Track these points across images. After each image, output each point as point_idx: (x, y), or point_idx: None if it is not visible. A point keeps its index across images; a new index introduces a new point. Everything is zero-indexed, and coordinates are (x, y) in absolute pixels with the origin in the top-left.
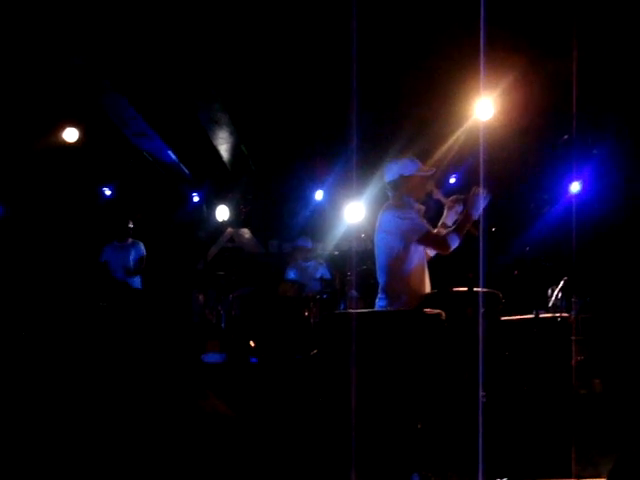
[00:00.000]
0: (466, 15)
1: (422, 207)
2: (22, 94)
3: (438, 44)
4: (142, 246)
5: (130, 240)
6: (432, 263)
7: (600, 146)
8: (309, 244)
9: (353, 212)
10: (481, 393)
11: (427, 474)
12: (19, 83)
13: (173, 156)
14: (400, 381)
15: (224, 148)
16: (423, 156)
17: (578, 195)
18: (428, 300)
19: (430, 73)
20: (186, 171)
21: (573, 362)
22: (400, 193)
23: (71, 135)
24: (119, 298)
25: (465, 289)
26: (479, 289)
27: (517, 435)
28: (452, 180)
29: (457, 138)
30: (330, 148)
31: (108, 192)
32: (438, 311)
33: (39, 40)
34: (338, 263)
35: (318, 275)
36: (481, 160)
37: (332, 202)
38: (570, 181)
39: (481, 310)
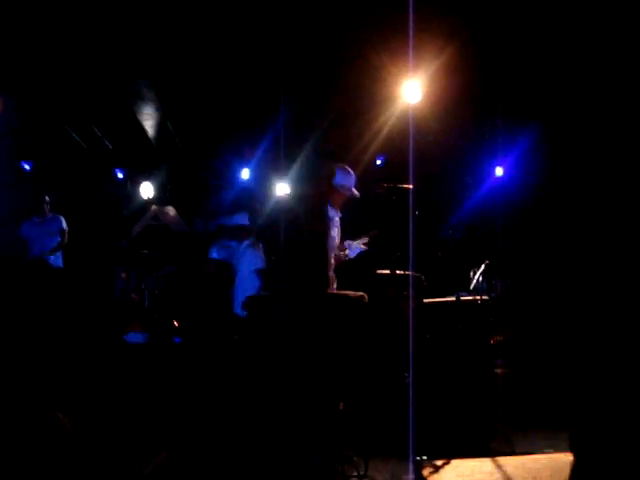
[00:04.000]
0: None
1: (339, 215)
2: None
3: (367, 26)
4: (63, 220)
5: (50, 215)
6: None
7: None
8: (246, 220)
9: (283, 191)
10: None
11: (347, 452)
12: None
13: (96, 130)
14: (324, 362)
15: (149, 124)
16: (350, 137)
17: (501, 179)
18: (353, 283)
19: (358, 54)
20: (109, 146)
21: (492, 343)
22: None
23: None
24: (38, 276)
25: (388, 271)
26: (401, 272)
27: (439, 414)
28: (378, 162)
29: (385, 120)
30: (256, 127)
31: (27, 167)
32: (361, 293)
33: None
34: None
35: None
36: (411, 144)
37: (258, 180)
38: (494, 166)
39: (410, 292)
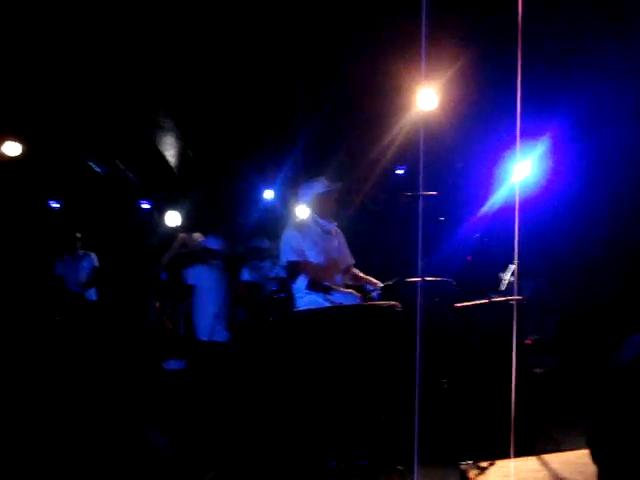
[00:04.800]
0: (408, 4)
1: (334, 223)
2: None
3: (380, 35)
4: (94, 257)
5: (81, 252)
6: (387, 252)
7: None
8: (264, 244)
9: (304, 210)
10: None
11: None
12: None
13: (120, 165)
14: (362, 374)
15: (170, 154)
16: (369, 148)
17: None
18: (384, 291)
19: (373, 64)
20: (134, 179)
21: (528, 342)
22: (312, 212)
23: (12, 149)
24: (74, 311)
25: (418, 279)
26: (432, 278)
27: (480, 418)
28: (400, 172)
29: (401, 129)
30: (277, 147)
31: (56, 205)
32: (393, 303)
33: None
34: None
35: (273, 274)
36: (421, 150)
37: (283, 201)
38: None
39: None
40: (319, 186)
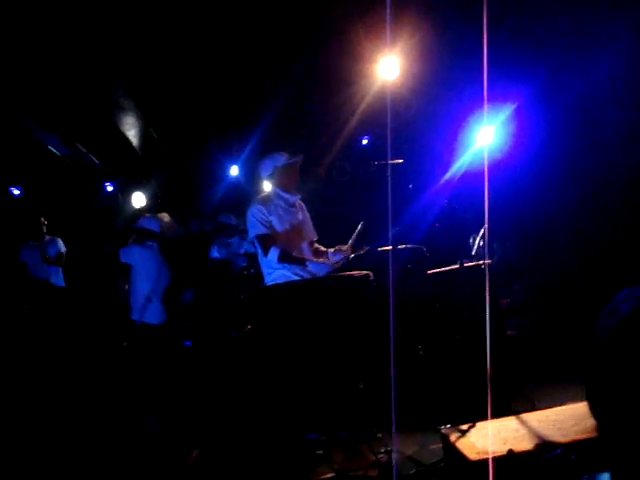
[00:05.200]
0: None
1: (297, 195)
2: None
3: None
4: (60, 242)
5: (47, 237)
6: (356, 222)
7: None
8: (232, 220)
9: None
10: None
11: (372, 429)
12: None
13: (81, 148)
14: (338, 345)
15: (132, 134)
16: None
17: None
18: (356, 261)
19: (336, 34)
20: (96, 161)
21: (502, 304)
22: (274, 185)
23: None
24: (42, 299)
25: (389, 247)
26: (403, 246)
27: (456, 382)
28: (364, 141)
29: (365, 99)
30: (241, 121)
31: (17, 192)
32: (366, 272)
33: None
34: None
35: (242, 250)
36: (388, 119)
37: (248, 176)
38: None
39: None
40: (281, 159)
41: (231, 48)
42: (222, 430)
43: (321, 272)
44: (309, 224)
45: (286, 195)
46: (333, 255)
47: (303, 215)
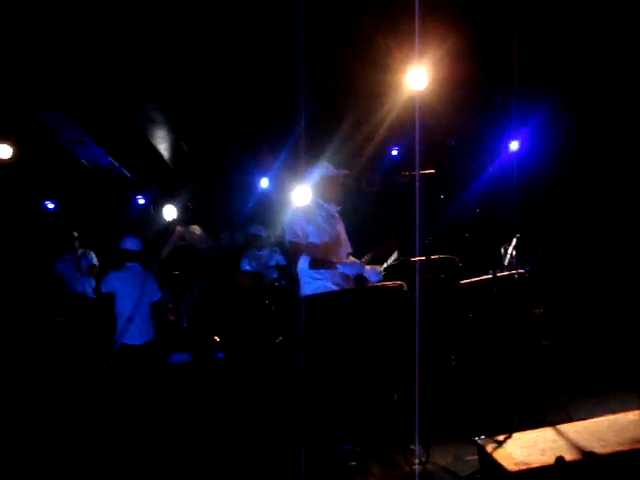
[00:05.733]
0: None
1: (337, 207)
2: None
3: (371, 16)
4: (93, 255)
5: (80, 251)
6: (387, 233)
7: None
8: (262, 232)
9: (300, 196)
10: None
11: (406, 441)
12: None
13: (113, 161)
14: (372, 355)
15: (164, 147)
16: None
17: (517, 153)
18: (389, 272)
19: (365, 45)
20: (128, 174)
21: (534, 315)
22: (316, 195)
23: (4, 152)
24: (78, 310)
25: (422, 258)
26: (436, 256)
27: (492, 393)
28: (394, 152)
29: (394, 109)
30: (271, 133)
31: (51, 205)
32: (399, 283)
33: None
34: None
35: (273, 262)
36: (417, 130)
37: (279, 188)
38: (509, 141)
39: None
40: (329, 169)
41: (261, 61)
42: (256, 440)
43: (352, 272)
44: (345, 237)
45: (327, 205)
46: (369, 273)
47: (341, 227)
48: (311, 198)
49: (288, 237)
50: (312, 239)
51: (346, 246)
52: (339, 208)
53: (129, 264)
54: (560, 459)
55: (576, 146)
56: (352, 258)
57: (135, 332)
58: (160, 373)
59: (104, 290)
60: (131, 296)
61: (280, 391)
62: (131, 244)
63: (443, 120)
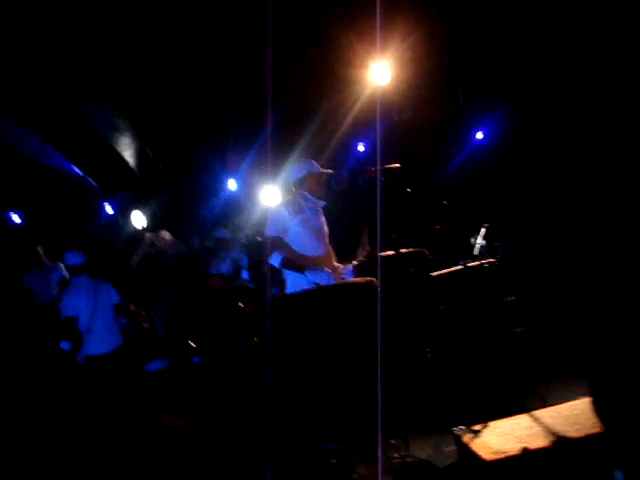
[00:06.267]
0: None
1: (323, 202)
2: None
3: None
4: (62, 267)
5: (49, 264)
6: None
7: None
8: (227, 235)
9: (269, 196)
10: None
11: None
12: None
13: (77, 170)
14: (345, 352)
15: (129, 154)
16: (328, 128)
17: (481, 143)
18: (359, 268)
19: (327, 41)
20: (93, 183)
21: (507, 303)
22: (303, 189)
23: None
24: (47, 324)
25: (392, 252)
26: (405, 250)
27: (467, 382)
28: (361, 148)
29: (358, 105)
30: (236, 134)
31: (18, 219)
32: (370, 278)
33: None
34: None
35: (244, 264)
36: (377, 125)
37: (247, 188)
38: (474, 132)
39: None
40: (315, 166)
41: (224, 60)
42: (236, 443)
43: (320, 281)
44: (326, 233)
45: (314, 198)
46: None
47: (324, 223)
48: (296, 192)
49: (267, 232)
50: (294, 231)
51: (325, 243)
52: (324, 204)
53: (75, 279)
54: (524, 449)
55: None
56: (338, 264)
57: (96, 342)
58: (133, 381)
59: (64, 315)
60: (86, 308)
61: (257, 392)
62: (72, 259)
63: (406, 114)
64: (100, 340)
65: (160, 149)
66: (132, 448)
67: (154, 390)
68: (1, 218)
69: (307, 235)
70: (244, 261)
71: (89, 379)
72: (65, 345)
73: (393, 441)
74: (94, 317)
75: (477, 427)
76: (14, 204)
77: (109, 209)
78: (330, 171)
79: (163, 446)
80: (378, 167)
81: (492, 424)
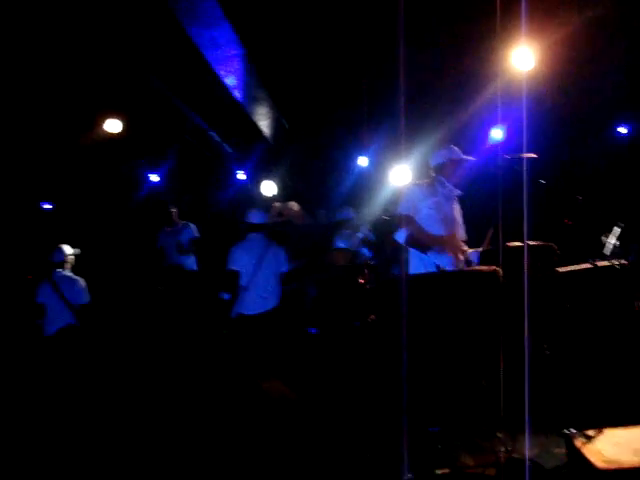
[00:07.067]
0: None
1: (458, 191)
2: (64, 90)
3: None
4: (193, 228)
5: (180, 224)
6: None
7: None
8: (351, 215)
9: (399, 175)
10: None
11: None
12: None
13: (215, 136)
14: (462, 340)
15: (265, 124)
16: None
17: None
18: (484, 256)
19: (470, 23)
20: (229, 150)
21: (636, 308)
22: (440, 175)
23: (114, 126)
24: (175, 281)
25: (519, 244)
26: (533, 242)
27: (584, 385)
28: (497, 134)
29: (498, 89)
30: (370, 111)
31: (156, 179)
32: (494, 267)
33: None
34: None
35: (367, 240)
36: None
37: (377, 167)
38: (619, 124)
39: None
40: (457, 153)
41: (362, 36)
42: (344, 418)
43: (441, 264)
44: (461, 222)
45: (450, 186)
46: (472, 254)
47: (458, 212)
48: (435, 177)
49: (399, 209)
50: (426, 213)
51: (461, 232)
52: (460, 193)
53: (252, 235)
54: None
55: None
56: (466, 248)
57: (249, 302)
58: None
59: (229, 267)
60: (247, 265)
61: (368, 369)
62: (254, 217)
63: (548, 103)
64: (253, 301)
65: (295, 121)
66: (238, 407)
67: (273, 356)
68: (142, 178)
69: (437, 220)
70: (368, 238)
71: (238, 334)
72: (225, 295)
73: (500, 434)
74: (254, 277)
75: (591, 432)
76: (154, 165)
77: (242, 176)
78: (471, 158)
79: (264, 410)
80: (517, 155)
81: (608, 432)
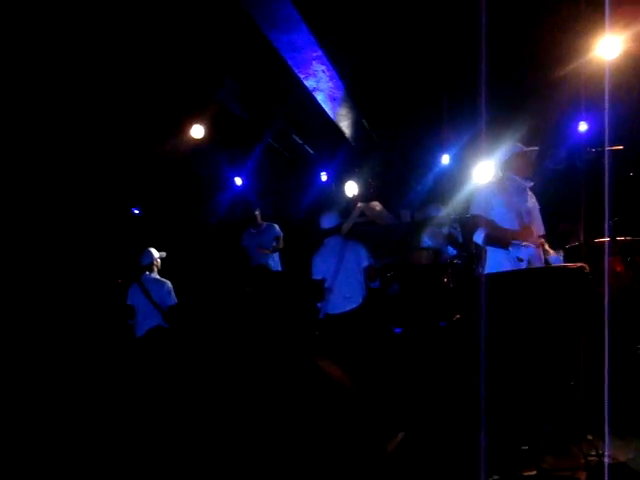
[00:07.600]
0: None
1: (530, 182)
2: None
3: None
4: (276, 228)
5: (264, 224)
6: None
7: None
8: (438, 212)
9: (482, 173)
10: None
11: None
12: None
13: (296, 138)
14: (550, 338)
15: (345, 125)
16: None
17: None
18: (570, 253)
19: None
20: (311, 151)
21: None
22: (508, 170)
23: (197, 132)
24: (261, 281)
25: (607, 239)
26: (622, 238)
27: None
28: (583, 127)
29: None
30: (452, 110)
31: (239, 182)
32: (581, 264)
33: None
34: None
35: (453, 240)
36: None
37: (460, 164)
38: None
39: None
40: (519, 146)
41: (444, 37)
42: (427, 417)
43: (523, 255)
44: (537, 215)
45: (519, 179)
46: (552, 257)
47: (532, 204)
48: (504, 174)
49: (473, 210)
50: (498, 211)
51: (537, 226)
52: (532, 184)
53: (328, 239)
54: None
55: None
56: (544, 244)
57: (334, 302)
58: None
59: (313, 277)
60: (328, 269)
61: (456, 369)
62: (326, 222)
63: (635, 94)
64: (336, 301)
65: (376, 121)
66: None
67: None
68: (227, 182)
69: (509, 216)
70: (455, 235)
71: (327, 334)
72: (319, 305)
73: (590, 437)
74: (335, 278)
75: None
76: (237, 169)
77: (325, 177)
78: (535, 148)
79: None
80: (602, 148)
81: None
